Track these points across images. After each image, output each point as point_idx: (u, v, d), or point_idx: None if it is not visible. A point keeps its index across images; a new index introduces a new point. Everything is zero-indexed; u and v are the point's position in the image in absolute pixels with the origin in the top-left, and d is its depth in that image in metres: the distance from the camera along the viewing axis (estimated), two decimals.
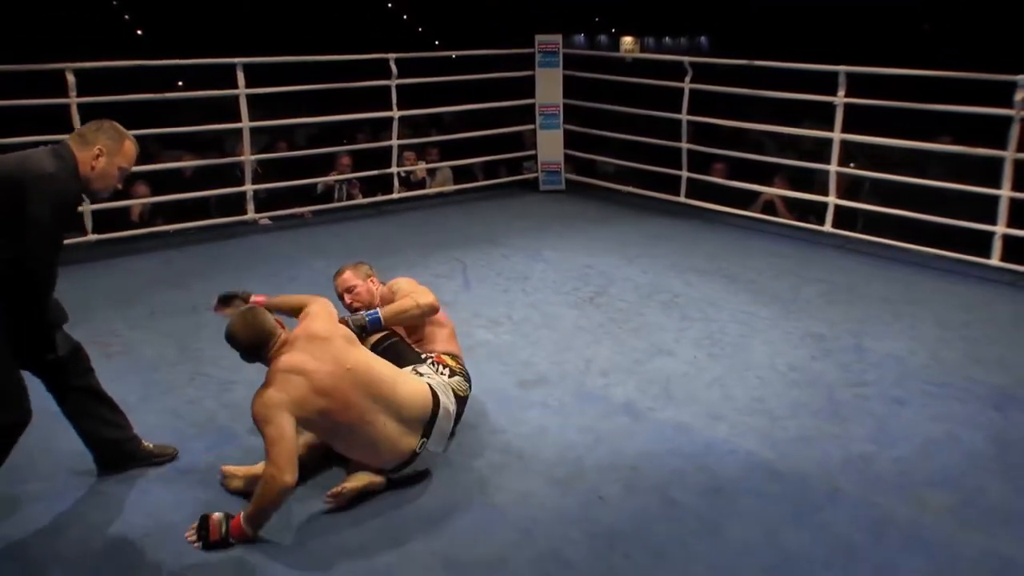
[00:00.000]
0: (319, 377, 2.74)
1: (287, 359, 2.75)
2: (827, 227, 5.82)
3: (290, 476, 2.63)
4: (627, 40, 27.23)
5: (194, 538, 2.65)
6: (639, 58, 16.46)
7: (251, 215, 6.12)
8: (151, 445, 3.11)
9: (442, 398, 2.98)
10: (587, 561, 2.59)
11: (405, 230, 6.15)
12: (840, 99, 5.61)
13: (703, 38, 27.14)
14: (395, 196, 6.76)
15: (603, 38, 29.53)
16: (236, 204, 6.14)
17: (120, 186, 2.90)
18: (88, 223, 5.44)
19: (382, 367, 2.91)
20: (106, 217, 5.63)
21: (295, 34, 16.14)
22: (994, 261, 5.12)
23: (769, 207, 6.43)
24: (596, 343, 4.15)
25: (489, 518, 2.79)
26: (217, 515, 2.66)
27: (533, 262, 5.37)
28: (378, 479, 2.89)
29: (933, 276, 5.17)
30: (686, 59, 6.49)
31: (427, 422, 2.91)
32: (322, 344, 2.81)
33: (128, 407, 3.47)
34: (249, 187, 6.07)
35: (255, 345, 2.78)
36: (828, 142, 5.79)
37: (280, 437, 2.64)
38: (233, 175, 6.18)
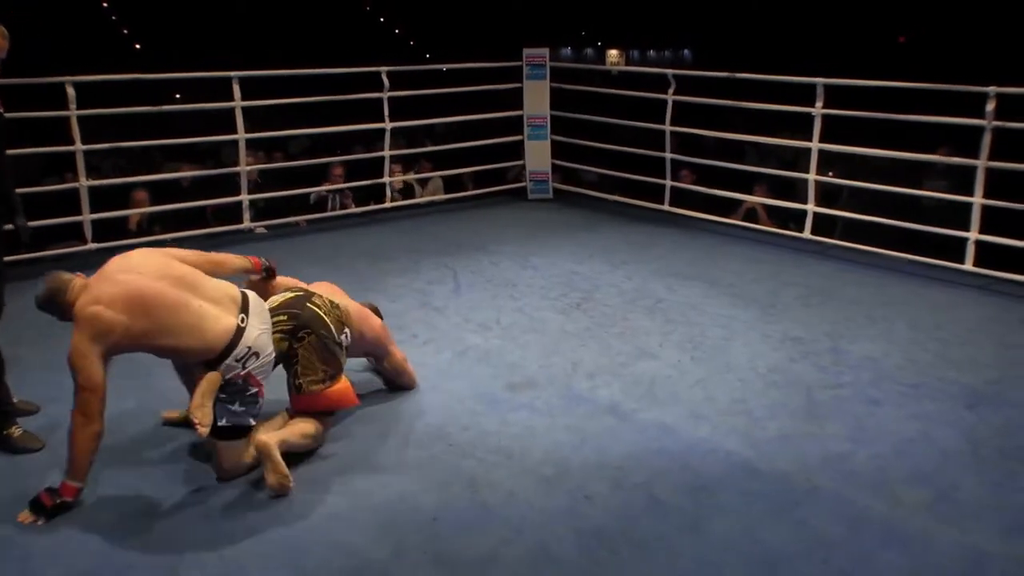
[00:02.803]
0: (113, 289, 2.81)
1: (83, 300, 2.82)
2: (806, 233, 5.93)
3: (99, 424, 2.77)
4: (612, 53, 27.34)
5: (33, 518, 2.77)
6: (624, 71, 16.66)
7: (247, 224, 6.19)
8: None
9: (247, 291, 3.13)
10: (575, 557, 2.62)
11: (397, 238, 6.20)
12: (818, 110, 5.74)
13: (686, 51, 27.31)
14: (387, 205, 6.84)
15: (589, 51, 29.64)
16: (233, 213, 6.20)
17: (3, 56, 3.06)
18: (88, 232, 5.50)
19: (187, 269, 3.00)
20: (105, 226, 5.68)
21: (290, 49, 16.30)
22: (966, 266, 5.23)
23: (751, 214, 6.55)
24: (582, 347, 4.20)
25: (479, 516, 2.82)
26: (41, 491, 2.80)
27: (521, 269, 5.43)
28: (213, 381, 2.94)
29: (907, 280, 5.25)
30: (670, 72, 6.60)
31: (240, 304, 3.01)
32: (114, 270, 2.91)
33: (124, 410, 3.50)
34: (245, 196, 6.14)
35: (52, 295, 2.87)
36: (806, 151, 5.89)
37: (89, 385, 2.74)
38: (230, 185, 6.24)
